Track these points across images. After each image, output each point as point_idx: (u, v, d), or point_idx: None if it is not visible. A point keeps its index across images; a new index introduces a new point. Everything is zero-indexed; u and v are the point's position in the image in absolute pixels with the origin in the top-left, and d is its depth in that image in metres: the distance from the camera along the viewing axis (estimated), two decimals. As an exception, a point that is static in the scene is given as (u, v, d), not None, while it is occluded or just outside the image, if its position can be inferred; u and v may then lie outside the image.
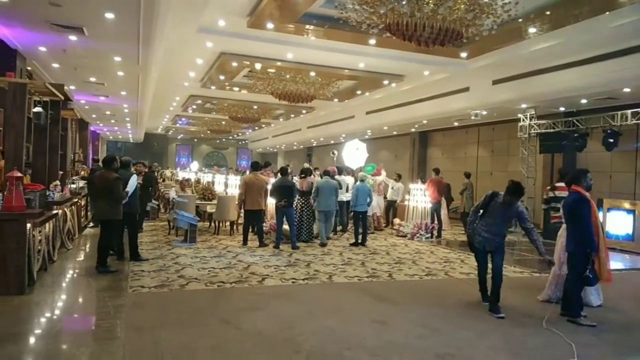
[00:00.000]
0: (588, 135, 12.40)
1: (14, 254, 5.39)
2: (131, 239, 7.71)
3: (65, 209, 8.58)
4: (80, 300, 5.84)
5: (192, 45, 11.80)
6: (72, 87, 13.75)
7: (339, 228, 11.87)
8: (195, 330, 4.53)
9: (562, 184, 6.44)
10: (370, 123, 19.60)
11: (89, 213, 11.56)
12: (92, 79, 13.01)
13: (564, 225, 5.91)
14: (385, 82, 15.44)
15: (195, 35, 10.75)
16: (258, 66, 13.74)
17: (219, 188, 13.97)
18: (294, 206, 9.74)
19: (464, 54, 12.03)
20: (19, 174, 5.61)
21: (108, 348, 4.06)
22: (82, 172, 14.17)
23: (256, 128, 31.36)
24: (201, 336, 4.38)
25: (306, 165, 14.91)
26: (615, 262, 9.09)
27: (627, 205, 10.89)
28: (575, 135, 12.43)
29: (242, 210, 9.81)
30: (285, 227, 9.60)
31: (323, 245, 9.83)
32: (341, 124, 21.99)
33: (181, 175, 21.98)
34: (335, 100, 18.35)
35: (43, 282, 6.11)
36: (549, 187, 6.31)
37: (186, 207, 10.39)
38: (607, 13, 9.14)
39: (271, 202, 10.43)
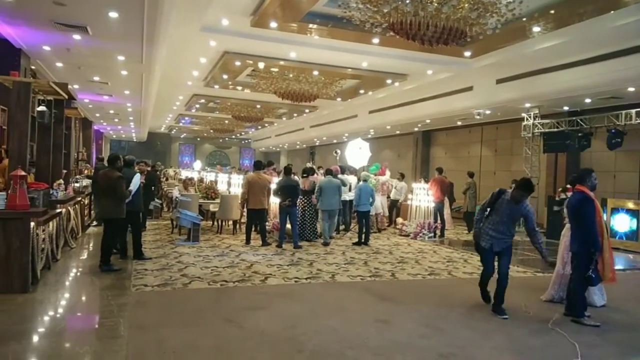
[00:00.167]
0: (592, 135, 12.36)
1: (17, 252, 5.40)
2: (135, 237, 7.72)
3: (69, 207, 8.60)
4: (84, 298, 5.85)
5: (195, 44, 11.81)
6: (76, 86, 13.80)
7: (341, 227, 11.87)
8: (198, 329, 4.53)
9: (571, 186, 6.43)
10: (373, 122, 19.59)
11: (92, 212, 11.60)
12: (96, 78, 13.05)
13: (567, 225, 5.90)
14: (389, 81, 15.42)
15: (199, 34, 10.76)
16: (261, 65, 13.74)
17: (222, 187, 13.98)
18: (297, 206, 9.74)
19: (467, 53, 11.99)
20: (23, 173, 5.62)
21: (111, 347, 4.06)
22: (86, 171, 14.22)
23: (259, 127, 31.39)
24: (204, 335, 4.39)
25: (308, 164, 14.90)
26: (619, 262, 9.07)
27: (631, 205, 10.85)
28: (579, 134, 12.39)
29: (245, 209, 9.82)
30: (288, 226, 9.59)
31: (326, 244, 9.82)
32: (344, 123, 21.98)
33: (184, 174, 22.03)
34: (338, 99, 18.33)
35: (46, 281, 6.13)
36: (560, 189, 6.29)
37: (189, 206, 10.41)
38: (612, 12, 9.10)
39: (274, 201, 10.43)
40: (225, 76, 15.61)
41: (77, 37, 9.00)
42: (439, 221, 11.78)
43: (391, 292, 6.28)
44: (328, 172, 10.55)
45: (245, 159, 43.34)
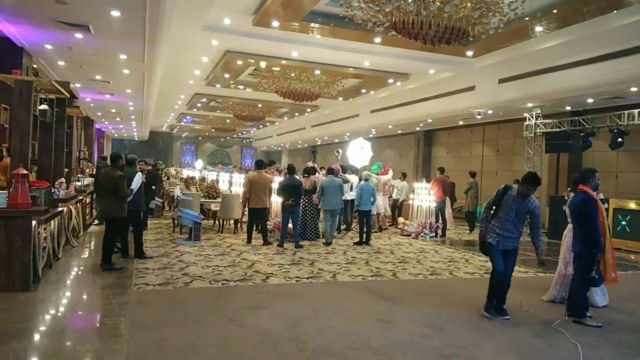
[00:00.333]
0: (594, 135, 12.33)
1: (19, 251, 5.41)
2: (136, 236, 7.72)
3: (71, 206, 8.60)
4: (85, 297, 5.85)
5: (197, 43, 11.81)
6: (78, 85, 13.80)
7: (342, 227, 11.86)
8: (199, 328, 4.53)
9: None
10: (375, 122, 19.57)
11: (94, 210, 11.60)
12: (98, 77, 13.05)
13: (569, 225, 5.88)
14: (391, 80, 15.42)
15: (201, 33, 10.76)
16: (263, 64, 13.75)
17: (223, 186, 13.98)
18: (300, 205, 9.73)
19: (470, 53, 11.99)
20: (25, 172, 5.62)
21: (112, 345, 4.06)
22: (88, 170, 14.22)
23: (260, 126, 31.40)
24: (205, 334, 4.38)
25: (309, 164, 14.90)
26: (621, 263, 9.04)
27: (633, 205, 10.83)
28: (582, 134, 12.36)
29: (247, 209, 9.82)
30: (290, 225, 9.58)
31: (328, 244, 9.81)
32: (346, 123, 21.97)
33: (185, 173, 22.04)
34: (340, 98, 18.33)
35: (48, 279, 6.13)
36: (569, 189, 6.23)
37: (191, 205, 10.41)
38: (615, 12, 9.09)
39: (275, 200, 10.43)
40: (226, 75, 15.62)
41: (79, 35, 9.00)
42: (440, 221, 11.77)
43: (392, 292, 6.26)
44: (330, 171, 10.54)
45: (247, 158, 43.36)
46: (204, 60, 13.67)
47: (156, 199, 10.95)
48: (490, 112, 14.81)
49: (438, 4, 7.73)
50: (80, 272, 6.93)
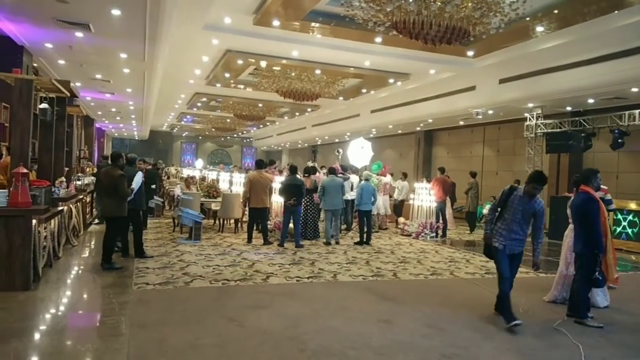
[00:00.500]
0: (595, 135, 12.33)
1: (19, 250, 5.40)
2: (136, 236, 7.71)
3: (71, 205, 8.59)
4: (85, 296, 5.84)
5: (197, 43, 11.80)
6: (78, 84, 13.81)
7: (343, 227, 11.85)
8: (199, 327, 4.52)
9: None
10: (375, 122, 19.56)
11: (94, 210, 11.59)
12: (98, 76, 13.04)
13: (570, 226, 5.87)
14: (391, 80, 15.41)
15: (201, 32, 10.74)
16: (263, 64, 13.73)
17: (223, 186, 13.97)
18: (302, 205, 9.72)
19: (470, 53, 11.98)
20: (25, 170, 5.61)
21: (112, 345, 4.05)
22: (88, 169, 14.21)
23: (261, 126, 31.39)
24: (205, 334, 4.37)
25: (310, 163, 14.89)
26: (622, 263, 9.03)
27: (633, 205, 10.82)
28: (582, 135, 12.35)
29: (247, 208, 9.80)
30: (291, 225, 9.57)
31: (328, 244, 9.80)
32: (346, 123, 21.96)
33: (186, 172, 22.03)
34: (341, 98, 18.32)
35: (48, 279, 6.12)
36: (575, 189, 6.21)
37: (191, 204, 10.40)
38: (616, 12, 9.08)
39: (276, 200, 10.42)
40: (227, 75, 15.61)
41: (79, 34, 8.99)
42: (440, 221, 11.75)
43: (393, 292, 6.25)
44: (331, 171, 10.52)
45: (247, 158, 43.36)
46: (205, 59, 13.66)
47: (155, 198, 10.93)
48: (490, 112, 14.80)
49: (439, 3, 7.72)
50: (80, 272, 6.92)
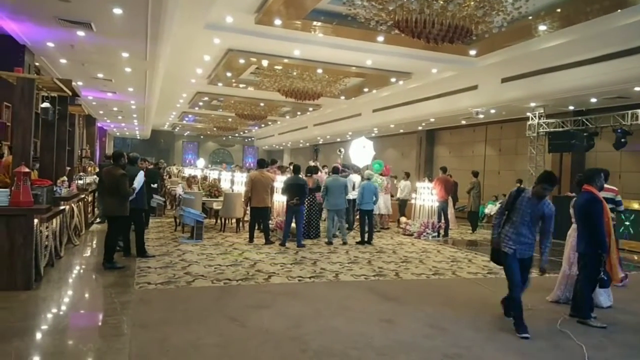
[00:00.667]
0: (597, 135, 12.29)
1: (21, 249, 5.39)
2: (138, 235, 7.71)
3: (73, 204, 8.59)
4: (87, 296, 5.84)
5: (199, 42, 11.79)
6: (80, 83, 13.80)
7: (345, 226, 11.81)
8: (201, 327, 4.51)
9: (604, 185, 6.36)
10: (377, 121, 19.54)
11: (96, 209, 11.59)
12: (100, 75, 13.05)
13: (573, 225, 5.85)
14: (393, 79, 15.39)
15: (203, 31, 10.74)
16: (265, 63, 13.72)
17: (225, 185, 13.97)
18: (305, 205, 9.72)
19: (472, 52, 11.95)
20: (27, 170, 5.61)
21: (114, 345, 4.05)
22: (90, 169, 14.22)
23: (262, 125, 31.38)
24: (207, 333, 4.36)
25: (312, 163, 14.87)
26: (624, 263, 9.00)
27: (636, 205, 10.78)
28: (585, 134, 12.32)
29: (248, 208, 9.79)
30: (292, 225, 9.56)
31: (329, 243, 9.79)
32: (348, 122, 21.94)
33: (187, 172, 22.03)
34: (342, 97, 18.31)
35: (50, 278, 6.12)
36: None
37: (192, 204, 10.39)
38: (619, 11, 9.05)
39: (278, 199, 10.41)
40: (229, 74, 15.59)
41: (81, 33, 8.99)
42: (442, 220, 11.73)
43: (395, 292, 6.24)
44: (335, 170, 10.49)
45: (249, 157, 43.35)
46: (206, 58, 13.65)
47: (155, 197, 10.89)
48: (493, 111, 14.77)
49: (441, 2, 7.70)
50: (82, 271, 6.92)
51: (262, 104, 21.58)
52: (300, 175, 9.70)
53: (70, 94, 8.30)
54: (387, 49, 11.80)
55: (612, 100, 11.87)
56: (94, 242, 9.23)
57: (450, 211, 12.75)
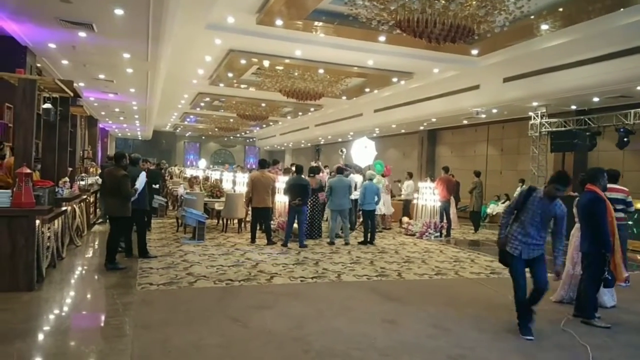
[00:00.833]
0: (600, 134, 12.26)
1: (23, 250, 5.39)
2: (140, 236, 7.70)
3: (74, 205, 8.59)
4: (89, 297, 5.83)
5: (200, 42, 11.79)
6: (82, 84, 13.81)
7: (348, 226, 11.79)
8: (203, 328, 4.50)
9: (612, 185, 6.34)
10: (379, 121, 19.52)
11: (98, 210, 11.59)
12: (101, 76, 13.04)
13: (577, 225, 5.82)
14: (394, 79, 15.36)
15: (204, 32, 10.73)
16: (266, 63, 13.71)
17: (226, 185, 13.96)
18: (307, 205, 9.70)
19: (474, 51, 11.93)
20: (28, 171, 5.60)
21: (117, 346, 4.03)
22: (92, 169, 14.22)
23: (264, 126, 31.38)
24: (209, 334, 4.35)
25: (314, 163, 14.86)
26: (628, 263, 8.96)
27: (639, 205, 10.73)
28: (587, 133, 12.29)
29: (250, 208, 9.78)
30: (295, 225, 9.55)
31: (332, 243, 9.77)
32: (349, 122, 21.92)
33: (189, 172, 22.04)
34: (344, 98, 18.29)
35: (52, 279, 6.11)
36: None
37: (194, 204, 10.38)
38: (621, 10, 9.01)
39: (279, 200, 10.39)
40: (230, 74, 15.59)
41: (82, 34, 8.98)
42: (445, 220, 11.70)
43: (398, 292, 6.22)
44: (339, 171, 10.46)
45: (250, 158, 43.36)
46: (208, 59, 13.64)
47: (157, 197, 10.89)
48: (494, 111, 14.74)
49: (443, 2, 7.68)
50: (84, 272, 6.91)
51: (263, 105, 21.57)
52: (302, 176, 9.68)
53: (71, 95, 8.30)
54: (388, 49, 11.78)
55: (614, 99, 11.83)
56: (96, 243, 9.23)
57: (453, 211, 12.72)
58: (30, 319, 4.65)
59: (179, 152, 42.09)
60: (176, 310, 5.05)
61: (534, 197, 4.67)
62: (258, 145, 42.48)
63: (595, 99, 12.16)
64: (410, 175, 14.46)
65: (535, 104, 13.24)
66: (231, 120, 27.65)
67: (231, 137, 41.09)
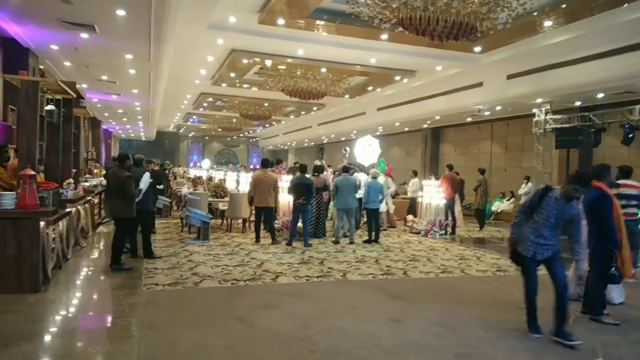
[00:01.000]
0: (605, 130, 12.19)
1: (28, 252, 5.39)
2: (145, 236, 7.70)
3: (79, 206, 8.59)
4: (95, 298, 5.83)
5: (203, 42, 11.78)
6: (84, 86, 13.83)
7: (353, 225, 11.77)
8: (209, 328, 4.49)
9: (626, 181, 6.29)
10: (382, 119, 19.48)
11: (102, 211, 11.61)
12: (104, 77, 13.06)
13: (583, 222, 5.77)
14: (397, 77, 15.32)
15: (206, 32, 10.72)
16: (269, 63, 13.70)
17: (230, 185, 13.96)
18: (311, 204, 9.69)
19: (477, 49, 11.88)
20: (33, 172, 5.60)
21: (123, 347, 4.03)
22: (96, 171, 14.25)
23: (267, 125, 31.38)
24: (215, 335, 4.34)
25: (317, 162, 14.82)
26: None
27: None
28: (592, 130, 12.22)
29: (253, 207, 9.78)
30: (299, 224, 9.53)
31: (336, 242, 9.75)
32: (352, 121, 21.90)
33: (192, 172, 22.05)
34: (346, 96, 18.26)
35: (57, 280, 6.11)
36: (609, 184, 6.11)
37: (198, 204, 10.38)
38: (625, 5, 8.95)
39: (284, 199, 10.38)
40: (232, 74, 15.59)
41: (84, 35, 8.99)
42: (449, 218, 11.67)
43: (403, 291, 6.20)
44: (345, 169, 10.43)
45: (253, 157, 43.39)
46: (210, 59, 13.64)
47: (161, 198, 10.89)
48: (498, 108, 14.68)
49: (445, -1, 7.65)
50: (89, 273, 6.91)
51: (266, 104, 21.57)
52: (306, 175, 9.67)
53: (74, 96, 8.32)
54: (391, 47, 11.74)
55: (619, 95, 11.77)
56: (101, 243, 9.24)
57: (457, 209, 12.68)
58: (36, 321, 4.65)
59: (183, 153, 42.14)
60: (182, 311, 5.04)
61: (549, 197, 4.47)
62: (261, 145, 42.48)
63: (600, 95, 12.09)
64: (415, 174, 14.43)
65: (539, 100, 13.17)
66: (234, 120, 27.66)
67: (234, 137, 41.12)
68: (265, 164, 10.05)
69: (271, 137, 36.57)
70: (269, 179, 9.49)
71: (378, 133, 22.80)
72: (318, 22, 10.45)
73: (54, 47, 9.85)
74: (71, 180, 8.50)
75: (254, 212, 10.12)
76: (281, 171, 11.67)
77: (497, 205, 16.19)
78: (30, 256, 5.40)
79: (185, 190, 12.02)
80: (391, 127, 21.52)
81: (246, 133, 37.47)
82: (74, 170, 9.63)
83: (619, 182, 6.31)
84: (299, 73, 14.52)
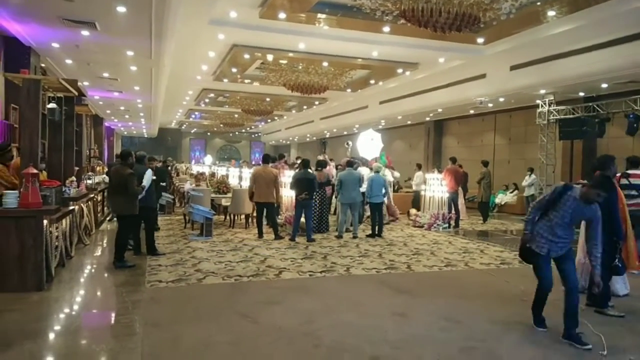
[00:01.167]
0: (609, 121, 12.10)
1: (31, 250, 5.39)
2: (148, 233, 7.70)
3: (82, 204, 8.60)
4: (98, 295, 5.84)
5: (204, 38, 11.74)
6: (86, 83, 13.82)
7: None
8: (213, 325, 4.48)
9: (636, 171, 6.24)
10: (384, 113, 19.41)
11: (105, 208, 11.63)
12: (106, 75, 13.05)
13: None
14: (399, 70, 15.25)
15: (207, 27, 10.69)
16: (270, 57, 13.65)
17: (233, 181, 13.95)
18: (314, 199, 9.66)
19: (480, 40, 11.80)
20: (35, 171, 5.60)
21: (127, 344, 4.03)
22: (99, 168, 14.26)
23: (269, 120, 31.36)
24: (219, 331, 4.33)
25: (320, 157, 14.80)
26: None
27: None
28: (596, 120, 12.14)
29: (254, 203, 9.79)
30: (302, 219, 9.52)
31: (340, 237, 9.74)
32: (354, 115, 21.83)
33: (195, 169, 22.06)
34: (348, 90, 18.19)
35: (61, 278, 6.12)
36: (619, 174, 6.01)
37: (201, 200, 10.37)
38: (630, -7, 8.86)
39: (286, 194, 10.36)
40: (234, 69, 15.54)
41: (85, 33, 8.97)
42: (453, 211, 11.63)
43: (407, 285, 6.18)
44: (349, 164, 10.39)
45: (256, 153, 43.38)
46: (211, 54, 13.60)
47: (164, 194, 10.88)
48: (501, 99, 14.60)
49: (448, -10, 7.58)
50: (93, 271, 6.92)
51: (268, 99, 21.53)
52: (309, 170, 9.64)
53: (76, 94, 8.30)
54: (393, 40, 11.67)
55: (623, 85, 11.67)
56: (105, 241, 9.25)
57: (461, 202, 12.64)
58: (40, 319, 4.65)
59: (185, 149, 42.19)
60: (185, 307, 5.04)
61: (568, 195, 4.28)
62: (263, 140, 42.46)
63: (604, 85, 12.00)
64: (419, 167, 14.39)
65: (542, 91, 13.08)
66: (236, 115, 27.64)
67: (236, 133, 41.12)
68: (266, 159, 10.03)
69: (273, 132, 36.54)
70: (269, 174, 9.47)
71: (380, 126, 22.76)
72: (319, 15, 10.39)
73: (55, 45, 9.84)
74: (74, 178, 8.50)
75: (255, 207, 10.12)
76: (284, 166, 11.65)
77: (501, 198, 16.14)
78: (34, 254, 5.40)
79: (187, 186, 12.01)
80: (394, 121, 21.45)
81: (248, 129, 37.46)
82: (77, 168, 9.64)
83: (629, 172, 6.25)
84: (300, 67, 14.47)
